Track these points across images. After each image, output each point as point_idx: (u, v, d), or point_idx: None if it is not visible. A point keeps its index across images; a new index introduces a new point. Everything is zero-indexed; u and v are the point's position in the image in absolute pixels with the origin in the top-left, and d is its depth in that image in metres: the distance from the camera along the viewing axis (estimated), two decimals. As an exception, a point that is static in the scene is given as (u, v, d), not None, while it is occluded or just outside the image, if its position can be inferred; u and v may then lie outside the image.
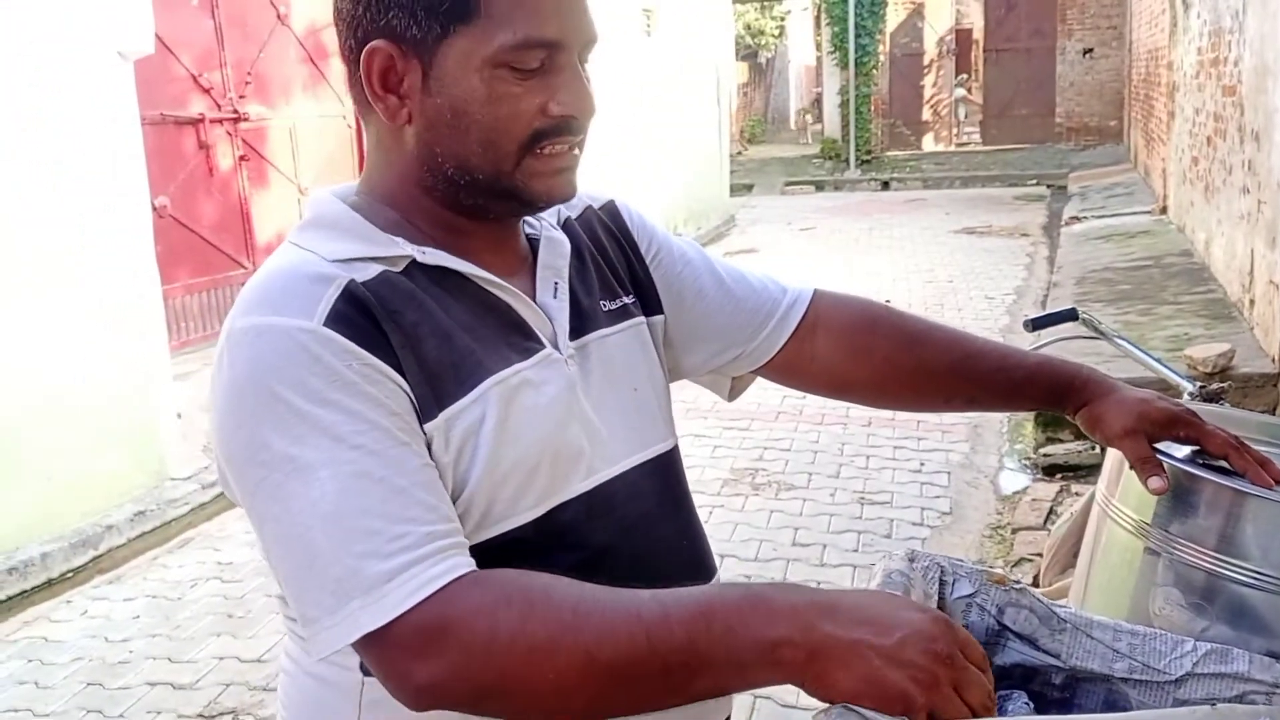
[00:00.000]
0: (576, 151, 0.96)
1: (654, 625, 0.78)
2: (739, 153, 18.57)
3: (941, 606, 1.03)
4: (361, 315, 0.87)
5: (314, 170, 6.38)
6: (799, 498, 4.42)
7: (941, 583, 1.04)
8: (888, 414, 5.27)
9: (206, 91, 5.66)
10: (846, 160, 16.57)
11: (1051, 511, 4.09)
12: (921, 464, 4.72)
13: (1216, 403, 1.52)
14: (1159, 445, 1.07)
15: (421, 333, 0.89)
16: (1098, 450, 4.54)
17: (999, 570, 1.07)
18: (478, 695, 0.80)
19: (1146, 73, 10.86)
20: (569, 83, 0.92)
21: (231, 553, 4.18)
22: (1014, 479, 4.55)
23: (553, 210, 1.05)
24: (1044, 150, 16.43)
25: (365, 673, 0.93)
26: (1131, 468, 1.07)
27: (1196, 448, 1.09)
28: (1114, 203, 10.32)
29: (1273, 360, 4.52)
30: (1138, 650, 1.00)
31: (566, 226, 1.06)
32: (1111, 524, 1.13)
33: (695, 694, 0.78)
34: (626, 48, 9.44)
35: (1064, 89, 16.84)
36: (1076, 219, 9.77)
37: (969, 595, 1.03)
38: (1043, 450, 4.59)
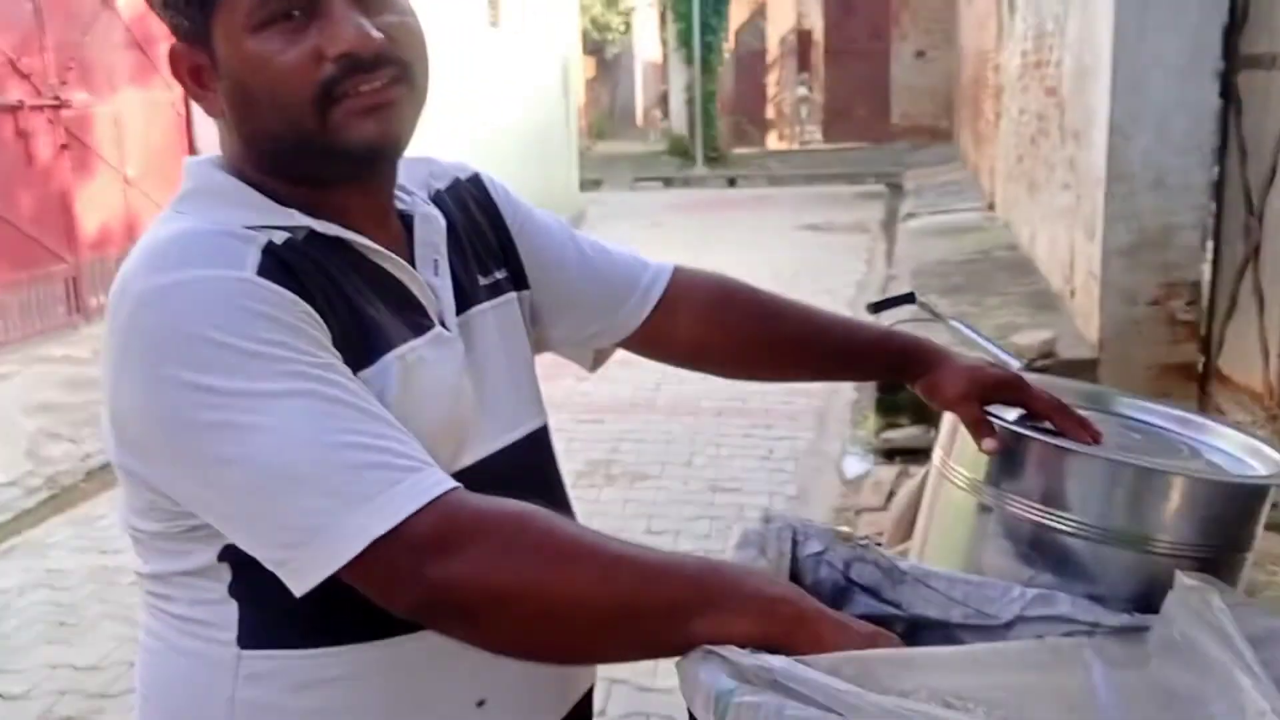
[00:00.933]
0: (391, 91, 0.91)
1: (667, 560, 0.83)
2: (588, 148, 18.63)
3: (794, 563, 1.09)
4: (286, 272, 0.86)
5: (141, 159, 6.11)
6: (653, 487, 4.49)
7: (794, 542, 1.09)
8: (738, 403, 5.41)
9: (25, 77, 5.35)
10: (694, 157, 16.82)
11: (892, 493, 4.27)
12: (770, 451, 4.86)
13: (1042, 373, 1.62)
14: (990, 408, 1.15)
15: (332, 299, 0.88)
16: (933, 434, 4.76)
17: (845, 529, 1.12)
18: (488, 598, 0.79)
19: (975, 75, 11.41)
20: (336, 20, 0.87)
21: (60, 559, 3.97)
22: (857, 463, 4.73)
23: (422, 183, 1.04)
24: (881, 149, 17.07)
25: (242, 645, 0.91)
26: (967, 430, 1.14)
27: (1024, 411, 1.17)
28: (947, 199, 10.82)
29: (1092, 346, 4.83)
30: (971, 597, 1.07)
31: (436, 200, 1.06)
32: (948, 484, 1.21)
33: (689, 636, 0.79)
34: (471, 37, 9.36)
35: (899, 90, 17.54)
36: (912, 215, 10.20)
37: (819, 552, 1.09)
38: (883, 435, 4.79)
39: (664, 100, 20.96)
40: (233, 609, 0.92)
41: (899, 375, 1.21)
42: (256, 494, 0.80)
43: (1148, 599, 1.05)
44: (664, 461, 4.79)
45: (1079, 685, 0.88)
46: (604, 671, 1.17)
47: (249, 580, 0.90)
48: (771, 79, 19.60)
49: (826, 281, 8.51)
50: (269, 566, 0.83)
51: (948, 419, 1.22)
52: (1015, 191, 7.91)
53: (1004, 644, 0.92)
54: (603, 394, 5.45)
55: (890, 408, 4.81)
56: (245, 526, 0.83)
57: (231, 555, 0.90)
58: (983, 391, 1.13)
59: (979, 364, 1.18)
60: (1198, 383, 4.69)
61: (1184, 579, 0.98)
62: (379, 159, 0.95)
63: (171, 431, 0.82)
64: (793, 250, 10.00)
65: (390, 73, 0.91)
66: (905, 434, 4.71)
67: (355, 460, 0.80)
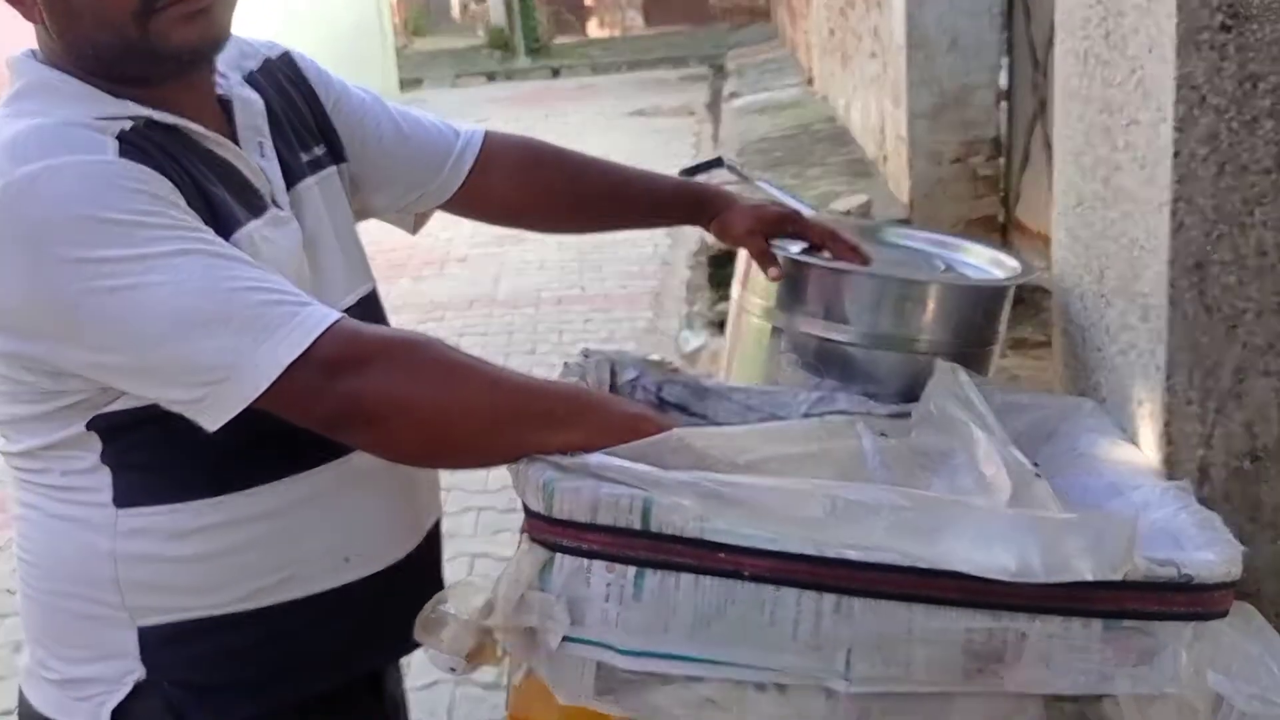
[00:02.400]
0: None
1: (546, 381, 0.98)
2: (404, 46, 18.04)
3: (613, 388, 1.23)
4: (144, 155, 0.92)
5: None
6: (500, 375, 4.60)
7: (612, 372, 1.24)
8: (577, 290, 5.54)
9: None
10: (515, 50, 16.52)
11: (728, 359, 4.51)
12: (611, 333, 5.02)
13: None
14: (775, 242, 1.31)
15: (182, 181, 0.95)
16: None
17: (656, 357, 1.28)
18: (393, 407, 0.90)
19: (786, -48, 11.53)
20: None
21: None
22: (694, 338, 4.95)
23: (233, 64, 1.10)
24: (703, 31, 17.10)
25: (118, 505, 1.00)
26: (755, 262, 1.30)
27: (806, 245, 1.34)
28: (767, 78, 11.01)
29: (904, 207, 5.13)
30: (766, 403, 1.24)
31: (250, 80, 1.12)
32: (746, 314, 1.37)
33: (564, 442, 0.92)
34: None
35: (716, -30, 17.51)
36: (735, 95, 10.36)
37: (634, 379, 1.24)
38: (716, 308, 5.01)
39: (480, -7, 20.37)
40: (105, 474, 1.00)
41: (694, 219, 1.35)
42: (165, 343, 0.88)
43: (913, 393, 1.24)
44: (507, 352, 4.89)
45: (851, 451, 1.06)
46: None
47: (118, 446, 0.99)
48: (588, -35, 19.29)
49: (655, 166, 8.51)
50: (178, 409, 0.92)
51: (742, 256, 1.38)
52: (830, 65, 8.15)
53: (787, 422, 1.09)
54: (442, 291, 5.49)
55: (722, 282, 5.02)
56: (154, 377, 0.91)
57: (100, 424, 0.98)
58: (766, 227, 1.29)
59: (762, 203, 1.33)
60: (1000, 233, 5.05)
61: (941, 364, 1.17)
62: (201, 59, 1.02)
63: (67, 307, 0.89)
64: (621, 138, 10.06)
65: None
66: (737, 304, 4.95)
67: (254, 300, 0.89)
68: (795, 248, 1.34)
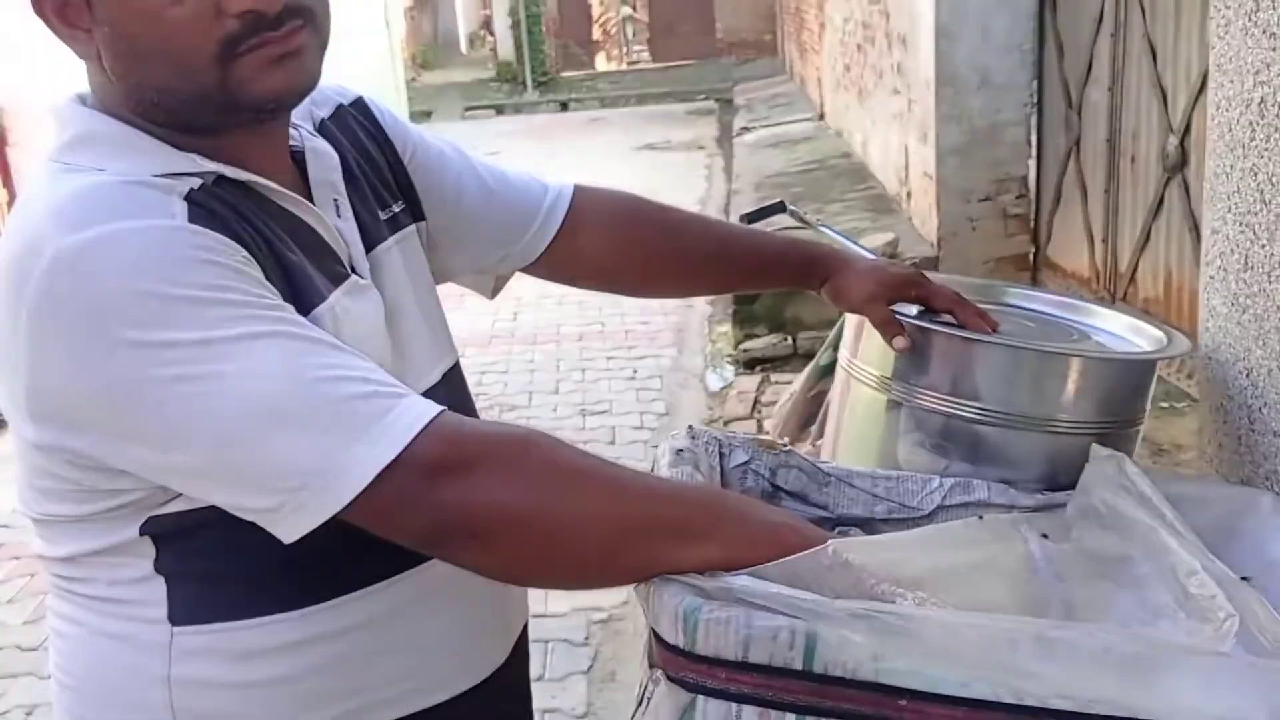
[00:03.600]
0: (297, 39, 0.84)
1: (677, 484, 0.85)
2: (413, 79, 18.03)
3: (722, 474, 1.09)
4: (214, 219, 0.79)
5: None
6: (522, 416, 4.46)
7: (720, 454, 1.09)
8: (597, 326, 5.41)
9: None
10: (524, 83, 16.50)
11: (756, 401, 4.37)
12: (635, 371, 4.89)
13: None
14: (894, 307, 1.17)
15: (259, 247, 0.82)
16: (791, 341, 4.90)
17: (767, 437, 1.13)
18: (502, 518, 0.77)
19: (796, -13, 11.51)
20: None
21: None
22: (720, 376, 4.81)
23: (304, 112, 0.97)
24: (709, 65, 17.10)
25: (174, 622, 0.85)
26: (876, 330, 1.16)
27: (924, 307, 1.20)
28: (777, 112, 10.95)
29: (931, 245, 5.01)
30: (894, 492, 1.10)
31: (323, 130, 0.98)
32: (857, 383, 1.23)
33: (700, 558, 0.78)
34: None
35: (721, 5, 17.56)
36: (746, 129, 10.29)
37: (744, 463, 1.10)
38: (742, 346, 4.88)
39: (488, 26, 20.43)
40: (159, 585, 0.86)
41: (804, 282, 1.21)
42: (238, 442, 0.75)
43: (1053, 477, 1.11)
44: (530, 390, 4.76)
45: (1019, 557, 0.92)
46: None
47: (176, 553, 0.85)
48: (595, 0, 19.35)
49: (672, 199, 8.43)
50: (250, 517, 0.78)
51: (850, 320, 1.24)
52: (845, 100, 8.06)
53: (947, 525, 0.94)
54: (460, 327, 5.27)
55: (747, 318, 4.89)
56: (223, 480, 0.77)
57: (155, 528, 0.84)
58: (888, 291, 1.15)
59: (880, 264, 1.19)
60: (1030, 272, 4.94)
61: (1099, 450, 1.03)
62: (284, 110, 0.89)
63: (127, 398, 0.75)
64: (635, 171, 9.97)
65: (295, 23, 0.83)
66: (763, 343, 4.81)
67: (340, 393, 0.76)
68: (911, 310, 1.20)
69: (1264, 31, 1.02)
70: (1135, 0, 3.73)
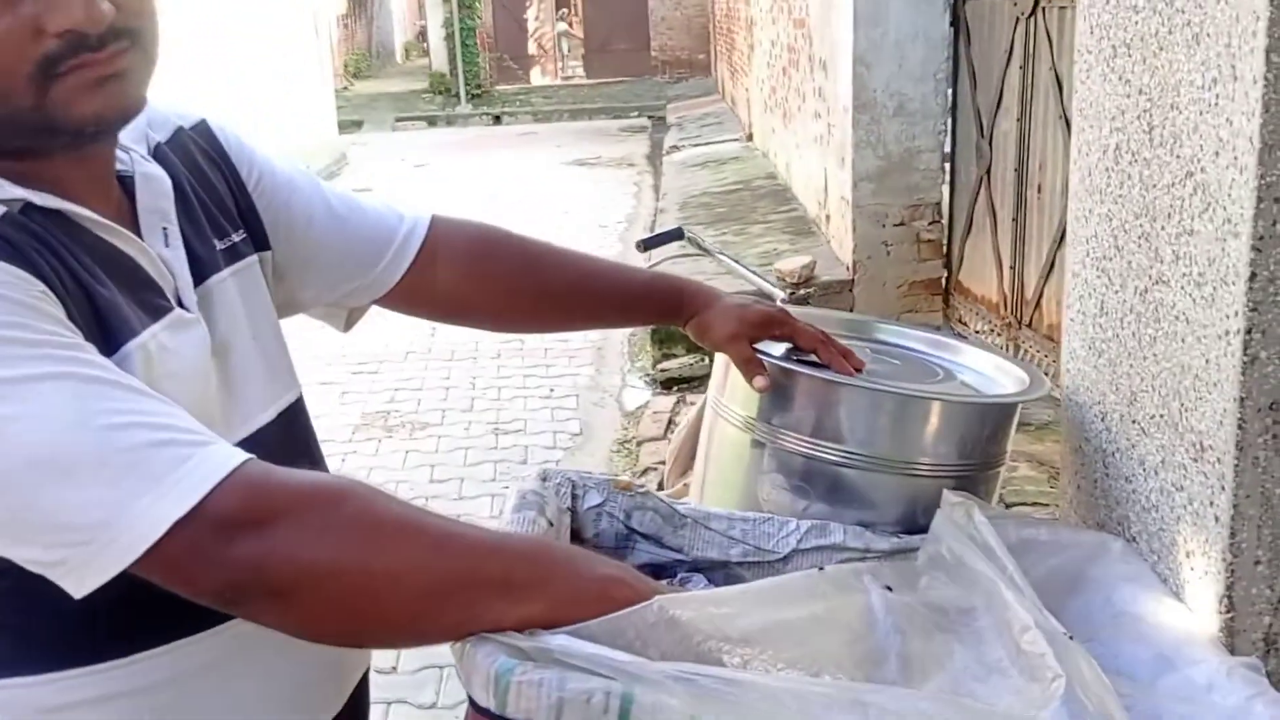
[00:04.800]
0: (121, 60, 0.79)
1: (499, 535, 0.80)
2: (345, 88, 17.82)
3: (574, 517, 1.06)
4: (12, 250, 0.74)
5: None
6: (434, 435, 4.40)
7: (574, 496, 1.06)
8: (516, 344, 5.36)
9: None
10: (457, 95, 16.41)
11: (671, 421, 4.36)
12: (551, 389, 4.85)
13: (804, 305, 1.66)
14: (758, 345, 1.15)
15: (64, 280, 0.77)
16: (708, 361, 4.90)
17: (625, 478, 1.11)
18: (305, 575, 0.72)
19: (728, 8, 11.60)
20: None
21: None
22: (636, 395, 4.79)
23: (139, 135, 0.91)
24: (643, 83, 17.19)
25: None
26: (738, 369, 1.14)
27: (790, 345, 1.18)
28: (708, 131, 11.01)
29: (847, 269, 5.05)
30: (750, 535, 1.08)
31: (158, 154, 0.93)
32: (722, 422, 1.21)
33: (522, 615, 0.74)
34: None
35: (656, 24, 17.67)
36: (676, 148, 10.33)
37: (599, 505, 1.07)
38: (660, 366, 4.87)
39: (423, 37, 20.29)
40: None
41: (669, 318, 1.19)
42: (18, 492, 0.70)
43: (914, 519, 1.09)
44: (444, 408, 4.70)
45: (859, 610, 0.89)
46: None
47: None
48: (531, 14, 19.30)
49: (597, 216, 8.53)
50: (39, 570, 0.73)
51: (719, 358, 1.22)
52: (771, 122, 8.13)
53: (785, 578, 0.92)
54: (376, 343, 5.27)
55: (665, 338, 4.89)
56: (8, 530, 0.72)
57: None
58: (751, 330, 1.13)
59: (746, 302, 1.17)
60: (942, 296, 5.00)
61: (950, 496, 1.02)
62: (106, 134, 0.83)
63: None
64: (563, 187, 9.95)
65: (120, 45, 0.79)
66: (680, 363, 4.80)
67: (132, 440, 0.71)
68: (778, 349, 1.18)
69: (1120, 78, 1.02)
70: (1044, 33, 3.80)
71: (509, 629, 0.75)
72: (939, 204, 4.97)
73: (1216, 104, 0.83)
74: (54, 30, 0.75)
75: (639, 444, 4.18)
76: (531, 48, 19.58)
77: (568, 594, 0.77)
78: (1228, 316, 0.83)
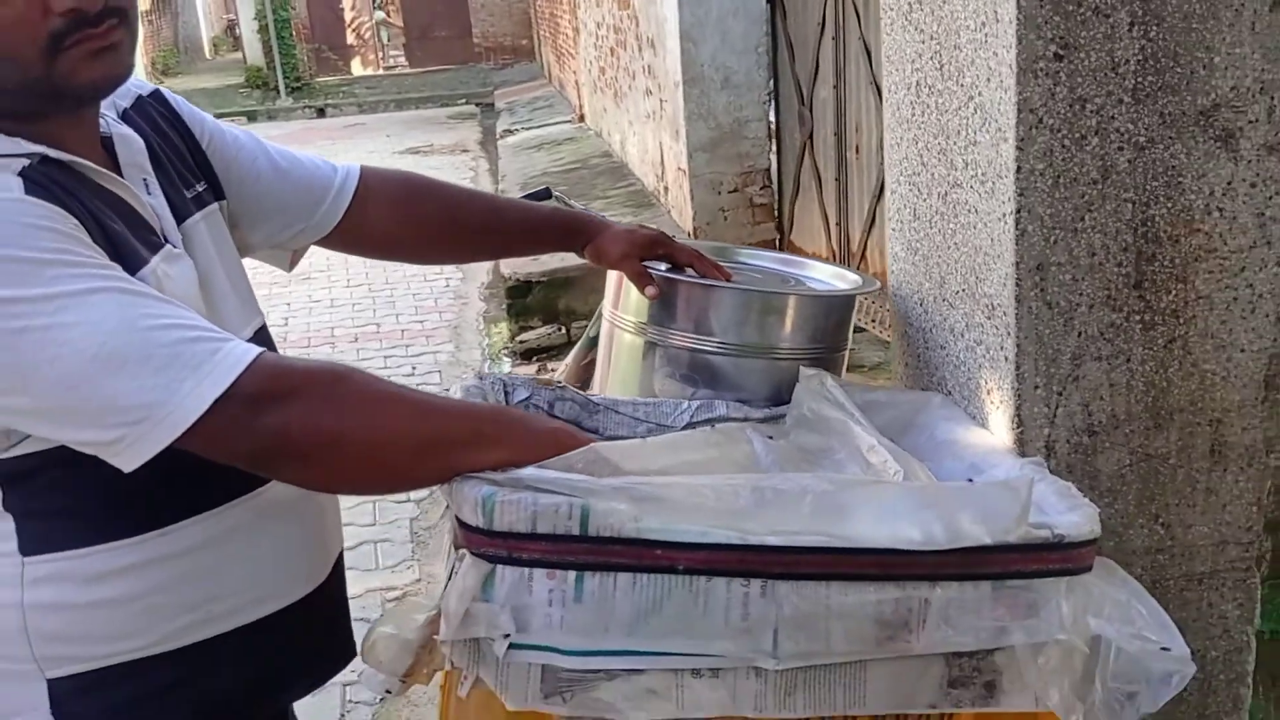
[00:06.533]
0: (114, 34, 0.95)
1: (469, 403, 1.03)
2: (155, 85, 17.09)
3: (507, 408, 1.27)
4: (47, 192, 0.89)
5: None
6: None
7: (505, 392, 1.27)
8: (372, 328, 5.45)
9: None
10: (276, 89, 16.02)
11: (534, 389, 4.55)
12: (413, 368, 4.97)
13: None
14: (646, 262, 1.38)
15: (85, 218, 0.92)
16: (564, 332, 5.11)
17: (545, 376, 1.32)
18: (321, 439, 0.91)
19: (550, -8, 11.77)
20: None
21: None
22: (497, 368, 4.96)
23: (108, 102, 1.07)
24: (467, 70, 17.16)
25: (24, 553, 0.95)
26: (631, 283, 1.37)
27: (670, 265, 1.42)
28: (539, 115, 11.17)
29: (688, 235, 5.35)
30: (651, 415, 1.31)
31: (125, 118, 1.09)
32: (619, 331, 1.44)
33: (492, 460, 0.95)
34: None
35: (477, 10, 17.64)
36: (509, 132, 10.45)
37: (526, 398, 1.28)
38: (518, 339, 5.06)
39: (232, 30, 19.64)
40: (8, 522, 0.95)
41: (568, 244, 1.41)
42: (82, 385, 0.85)
43: (779, 395, 1.35)
44: (306, 395, 4.75)
45: (745, 453, 1.14)
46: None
47: (21, 492, 0.95)
48: (348, 4, 18.98)
49: (437, 203, 8.57)
50: (92, 451, 0.89)
51: (612, 277, 1.44)
52: (603, 102, 8.37)
53: (686, 433, 1.16)
54: (229, 337, 5.26)
55: (521, 311, 5.08)
56: (68, 419, 0.88)
57: (1, 470, 0.93)
58: (639, 250, 1.36)
59: (632, 227, 1.40)
60: (778, 257, 5.35)
61: (805, 370, 1.28)
62: (102, 97, 1.00)
63: None
64: (397, 176, 9.94)
65: (113, 21, 0.95)
66: (538, 334, 5.00)
67: (172, 337, 0.88)
68: (660, 267, 1.42)
69: (915, 28, 1.29)
70: (851, 6, 4.16)
71: (483, 470, 0.96)
72: (768, 170, 5.31)
73: (986, 41, 1.10)
74: (59, 10, 0.92)
75: (505, 411, 4.36)
76: (350, 38, 19.26)
77: (526, 442, 0.98)
78: (1004, 203, 1.11)
